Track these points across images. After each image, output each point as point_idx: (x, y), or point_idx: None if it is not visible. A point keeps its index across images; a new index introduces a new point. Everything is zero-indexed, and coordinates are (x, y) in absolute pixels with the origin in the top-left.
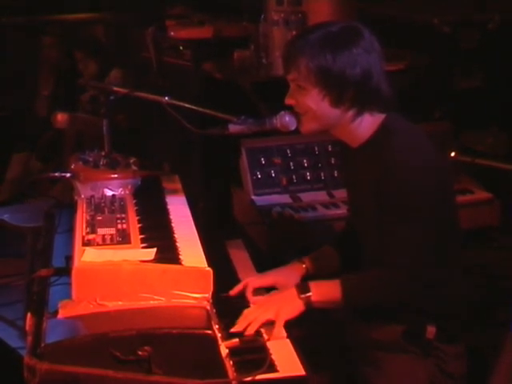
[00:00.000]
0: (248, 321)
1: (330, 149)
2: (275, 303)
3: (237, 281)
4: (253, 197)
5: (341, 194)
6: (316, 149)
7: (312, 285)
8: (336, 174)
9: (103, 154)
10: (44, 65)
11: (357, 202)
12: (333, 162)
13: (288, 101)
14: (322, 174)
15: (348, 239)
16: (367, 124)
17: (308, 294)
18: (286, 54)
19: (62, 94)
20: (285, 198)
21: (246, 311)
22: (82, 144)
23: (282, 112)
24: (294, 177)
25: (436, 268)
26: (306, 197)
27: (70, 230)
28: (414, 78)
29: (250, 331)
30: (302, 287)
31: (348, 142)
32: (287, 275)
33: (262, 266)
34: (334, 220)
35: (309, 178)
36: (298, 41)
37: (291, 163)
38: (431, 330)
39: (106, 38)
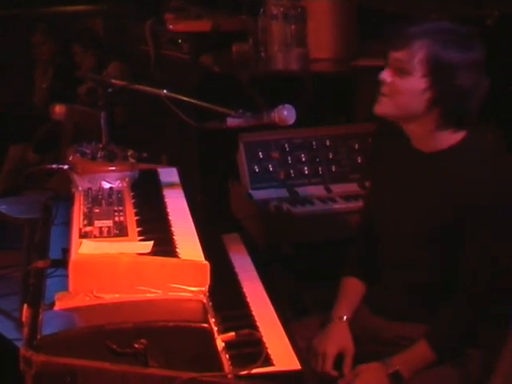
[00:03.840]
0: None
1: (327, 143)
2: None
3: (233, 275)
4: (250, 191)
5: (338, 188)
6: (314, 143)
7: (397, 362)
8: (334, 169)
9: (101, 146)
10: (39, 59)
11: (401, 203)
12: (330, 156)
13: (384, 75)
14: (320, 169)
15: (368, 256)
16: (448, 134)
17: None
18: (405, 31)
19: (59, 86)
20: (282, 192)
21: None
22: (80, 136)
23: (280, 106)
24: (291, 171)
25: None
26: (304, 191)
27: (67, 222)
28: None
29: None
30: (392, 376)
31: (418, 143)
32: (341, 339)
33: (258, 260)
34: (332, 214)
35: (306, 172)
36: (427, 25)
37: (289, 157)
38: None
39: (105, 30)
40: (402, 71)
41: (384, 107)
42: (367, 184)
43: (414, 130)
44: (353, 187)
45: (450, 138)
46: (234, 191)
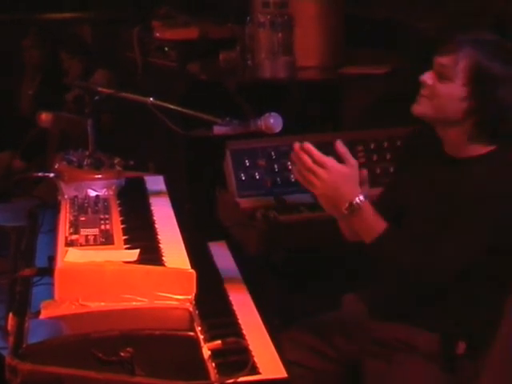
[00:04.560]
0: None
1: None
2: (328, 191)
3: (220, 282)
4: (237, 198)
5: None
6: None
7: (362, 210)
8: None
9: (87, 154)
10: (27, 64)
11: (423, 202)
12: None
13: (426, 78)
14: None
15: None
16: (479, 145)
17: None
18: (454, 37)
19: (46, 93)
20: (269, 200)
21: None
22: (67, 143)
23: (267, 114)
24: (278, 179)
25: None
26: (291, 199)
27: (54, 230)
28: (398, 81)
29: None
30: (351, 208)
31: (449, 148)
32: None
33: (245, 268)
34: (319, 222)
35: (293, 179)
36: (474, 35)
37: (275, 165)
38: (462, 346)
39: (93, 37)
40: (444, 76)
41: (422, 108)
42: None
43: (447, 134)
44: None
45: (481, 148)
46: (221, 199)
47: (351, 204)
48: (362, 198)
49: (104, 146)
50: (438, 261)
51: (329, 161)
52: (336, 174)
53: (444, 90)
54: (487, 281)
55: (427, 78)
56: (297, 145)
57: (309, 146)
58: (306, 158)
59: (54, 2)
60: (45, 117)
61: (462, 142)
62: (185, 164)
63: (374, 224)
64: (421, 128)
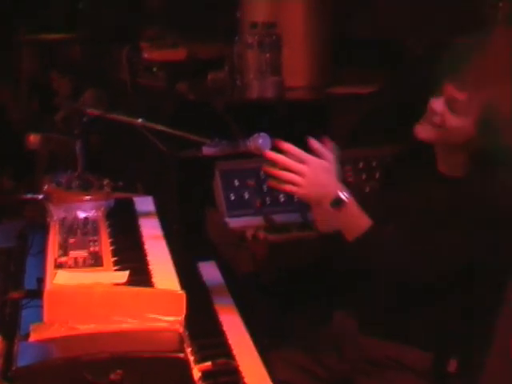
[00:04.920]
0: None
1: None
2: (312, 186)
3: (210, 303)
4: (227, 219)
5: None
6: None
7: (348, 205)
8: None
9: (76, 175)
10: (21, 79)
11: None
12: None
13: (436, 106)
14: (295, 196)
15: None
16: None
17: (336, 210)
18: (474, 72)
19: (36, 111)
20: (258, 220)
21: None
22: (55, 163)
23: (256, 134)
24: (267, 199)
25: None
26: (280, 219)
27: (43, 252)
28: (386, 99)
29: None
30: (337, 202)
31: (446, 167)
32: None
33: (235, 288)
34: (309, 242)
35: (282, 200)
36: (493, 70)
37: (265, 185)
38: (453, 364)
39: (83, 57)
40: (456, 110)
41: (427, 134)
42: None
43: (446, 155)
44: None
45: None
46: (211, 219)
47: (336, 198)
48: (346, 193)
49: (92, 167)
50: (426, 259)
51: (308, 156)
52: (317, 168)
53: (454, 122)
54: (479, 299)
55: (437, 106)
56: (278, 142)
57: (285, 144)
58: (284, 158)
59: (43, 23)
60: (33, 138)
61: (462, 163)
62: (174, 184)
63: (360, 220)
64: (411, 145)
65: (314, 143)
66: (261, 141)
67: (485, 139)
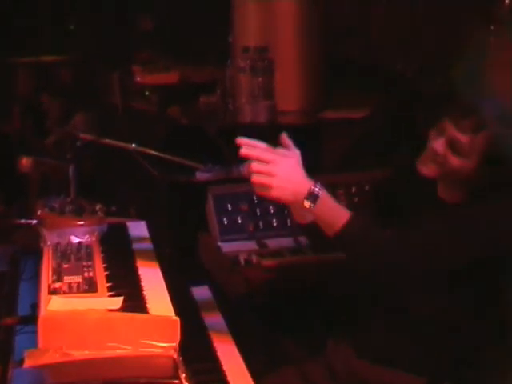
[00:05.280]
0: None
1: None
2: (284, 185)
3: (204, 328)
4: (219, 243)
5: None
6: None
7: (323, 198)
8: None
9: (69, 200)
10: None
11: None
12: None
13: (438, 147)
14: (289, 221)
15: None
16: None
17: (312, 206)
18: (474, 115)
19: (29, 134)
20: (251, 245)
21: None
22: (47, 187)
23: (249, 160)
24: (260, 223)
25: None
26: (273, 243)
27: (36, 277)
28: (377, 123)
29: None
30: (312, 196)
31: (447, 195)
32: None
33: (228, 312)
34: (302, 266)
35: (275, 224)
36: (495, 112)
37: (257, 209)
38: None
39: (73, 80)
40: (458, 152)
41: (429, 171)
42: None
43: (445, 184)
44: None
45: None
46: (204, 243)
47: (310, 193)
48: (318, 186)
49: (85, 192)
50: (412, 247)
51: (273, 156)
52: (286, 166)
53: (456, 163)
54: (474, 324)
55: (438, 147)
56: (239, 141)
57: (246, 148)
58: (253, 163)
59: (31, 44)
60: (25, 162)
61: (464, 192)
62: (167, 209)
63: (337, 212)
64: (399, 173)
65: (285, 139)
66: None
67: (490, 172)
